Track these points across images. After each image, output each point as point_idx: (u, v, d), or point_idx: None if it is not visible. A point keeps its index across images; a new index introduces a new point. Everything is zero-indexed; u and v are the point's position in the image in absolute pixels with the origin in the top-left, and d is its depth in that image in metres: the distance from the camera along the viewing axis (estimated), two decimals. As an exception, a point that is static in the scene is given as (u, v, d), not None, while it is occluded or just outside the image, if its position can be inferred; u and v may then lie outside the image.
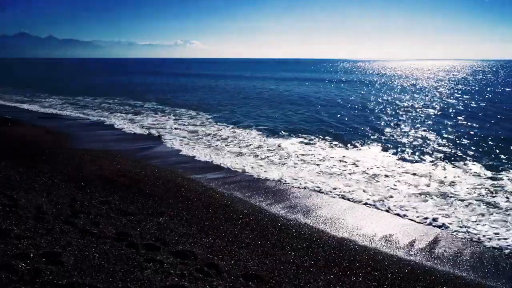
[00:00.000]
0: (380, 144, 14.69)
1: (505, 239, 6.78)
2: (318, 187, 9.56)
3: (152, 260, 5.00)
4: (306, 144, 14.72)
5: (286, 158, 12.43)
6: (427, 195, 8.98)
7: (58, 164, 10.19)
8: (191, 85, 46.90)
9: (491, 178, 10.20)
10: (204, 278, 4.74)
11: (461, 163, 11.88)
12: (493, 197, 8.83)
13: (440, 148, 14.16)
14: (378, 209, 8.23)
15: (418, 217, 7.77)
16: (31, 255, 4.67)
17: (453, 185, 9.67)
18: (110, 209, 7.01)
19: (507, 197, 8.78)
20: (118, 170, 10.08)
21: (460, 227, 7.29)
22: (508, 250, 6.41)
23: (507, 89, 41.58)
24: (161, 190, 8.55)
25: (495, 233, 7.00)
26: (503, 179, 10.06)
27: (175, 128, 17.80)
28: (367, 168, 11.22)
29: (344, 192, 9.21)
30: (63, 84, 48.22)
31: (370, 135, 16.76)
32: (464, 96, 33.81)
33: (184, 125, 18.82)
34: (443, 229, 7.23)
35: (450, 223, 7.43)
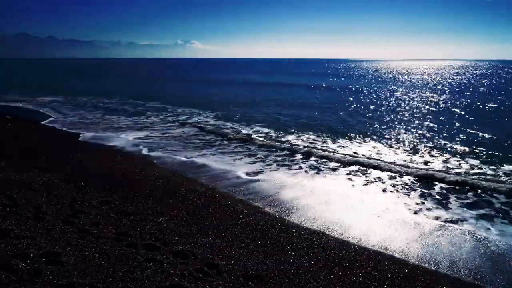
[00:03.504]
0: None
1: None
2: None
3: (152, 260, 5.00)
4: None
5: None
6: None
7: (58, 164, 10.19)
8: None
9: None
10: (204, 278, 4.74)
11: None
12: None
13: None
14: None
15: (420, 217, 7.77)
16: (31, 255, 4.67)
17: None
18: (110, 209, 7.01)
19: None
20: (118, 170, 10.08)
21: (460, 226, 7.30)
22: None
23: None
24: (161, 190, 8.55)
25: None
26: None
27: None
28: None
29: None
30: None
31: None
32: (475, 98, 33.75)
33: None
34: (443, 229, 7.23)
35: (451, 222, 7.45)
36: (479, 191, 9.34)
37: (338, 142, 15.18)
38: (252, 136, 16.21)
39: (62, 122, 19.35)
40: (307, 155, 12.93)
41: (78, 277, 4.33)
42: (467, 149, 13.89)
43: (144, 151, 13.42)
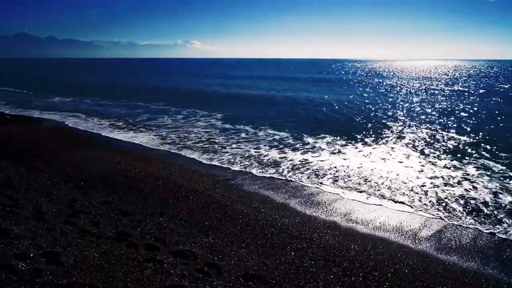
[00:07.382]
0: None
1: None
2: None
3: (152, 260, 5.01)
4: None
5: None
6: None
7: (59, 164, 10.19)
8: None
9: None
10: (204, 278, 4.75)
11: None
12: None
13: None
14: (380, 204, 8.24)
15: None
16: (31, 255, 4.67)
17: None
18: (110, 209, 7.01)
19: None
20: (118, 170, 10.08)
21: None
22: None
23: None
24: (161, 190, 8.55)
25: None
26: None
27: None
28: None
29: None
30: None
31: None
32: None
33: None
34: (443, 229, 7.24)
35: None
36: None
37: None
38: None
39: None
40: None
41: (78, 277, 4.33)
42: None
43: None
